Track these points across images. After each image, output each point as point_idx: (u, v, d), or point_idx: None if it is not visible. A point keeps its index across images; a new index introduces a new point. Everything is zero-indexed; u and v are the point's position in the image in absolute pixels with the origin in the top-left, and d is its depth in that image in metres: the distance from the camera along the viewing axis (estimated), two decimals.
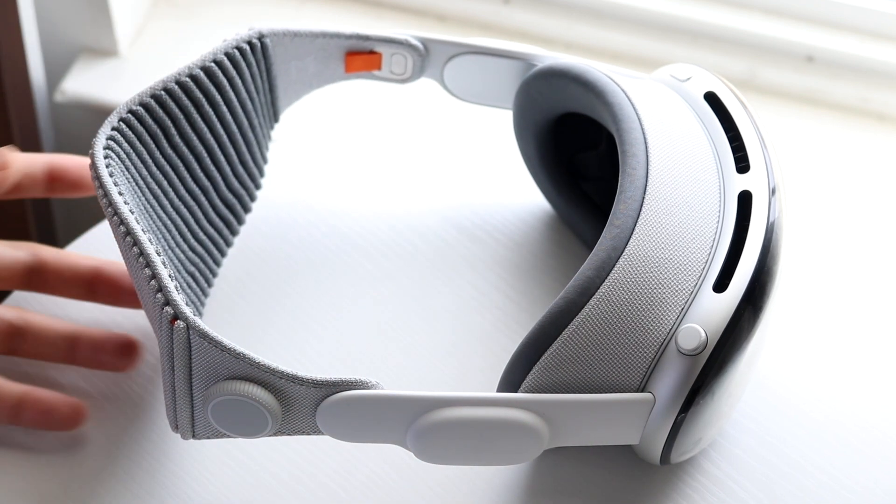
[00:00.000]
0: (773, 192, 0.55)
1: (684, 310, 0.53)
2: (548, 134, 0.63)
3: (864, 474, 0.59)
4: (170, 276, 0.51)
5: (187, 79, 0.58)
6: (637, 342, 0.52)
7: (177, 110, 0.58)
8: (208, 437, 0.53)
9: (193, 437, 0.53)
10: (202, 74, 0.58)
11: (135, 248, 0.52)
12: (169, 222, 0.58)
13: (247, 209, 0.63)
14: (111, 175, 0.54)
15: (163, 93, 0.57)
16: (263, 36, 0.60)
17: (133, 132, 0.56)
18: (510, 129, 0.65)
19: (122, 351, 0.61)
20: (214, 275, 0.62)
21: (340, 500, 0.58)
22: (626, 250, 0.53)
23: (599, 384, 0.52)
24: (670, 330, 0.52)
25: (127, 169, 0.55)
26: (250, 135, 0.62)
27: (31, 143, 0.84)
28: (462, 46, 0.63)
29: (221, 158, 0.60)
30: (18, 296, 0.64)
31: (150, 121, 0.57)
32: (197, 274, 0.60)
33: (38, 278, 0.61)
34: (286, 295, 0.64)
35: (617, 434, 0.54)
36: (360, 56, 0.63)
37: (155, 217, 0.57)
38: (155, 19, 0.87)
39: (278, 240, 0.66)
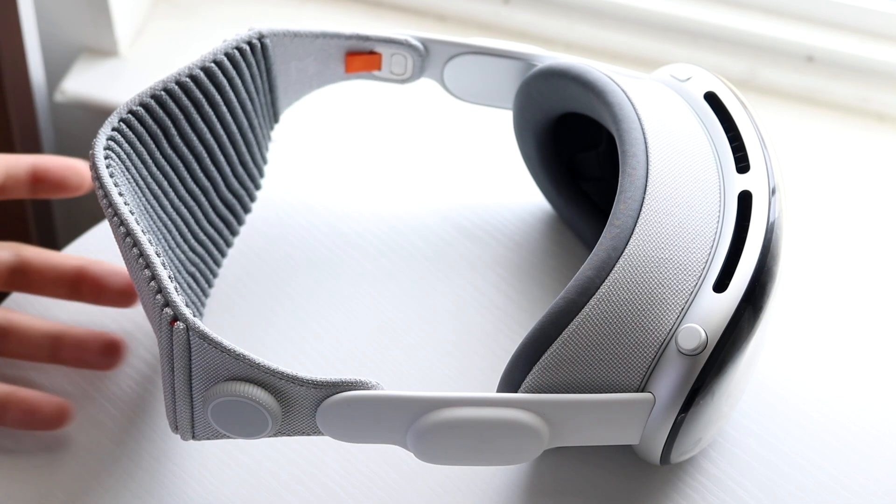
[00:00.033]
0: (773, 192, 0.55)
1: (684, 310, 0.53)
2: (548, 134, 0.63)
3: (864, 474, 0.59)
4: (170, 276, 0.51)
5: (187, 79, 0.58)
6: (637, 342, 0.52)
7: (177, 110, 0.58)
8: (208, 438, 0.53)
9: (193, 437, 0.53)
10: (202, 75, 0.58)
11: (135, 249, 0.52)
12: (169, 222, 0.58)
13: (247, 209, 0.63)
14: (111, 175, 0.54)
15: (163, 93, 0.57)
16: (263, 36, 0.60)
17: (133, 132, 0.56)
18: (510, 129, 0.65)
19: (106, 350, 0.61)
20: (215, 275, 0.62)
21: (340, 500, 0.58)
22: (626, 250, 0.53)
23: (599, 384, 0.52)
24: (670, 330, 0.52)
25: (127, 169, 0.55)
26: (250, 135, 0.62)
27: (31, 143, 0.84)
28: (462, 46, 0.63)
29: (221, 158, 0.60)
30: (15, 298, 0.64)
31: (150, 121, 0.57)
32: (197, 274, 0.60)
33: (22, 278, 0.61)
34: (286, 295, 0.64)
35: (617, 434, 0.54)
36: (360, 56, 0.63)
37: (155, 217, 0.57)
38: (155, 19, 0.87)
39: (278, 240, 0.66)
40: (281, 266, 0.65)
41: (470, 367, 0.62)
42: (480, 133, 0.75)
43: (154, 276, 0.51)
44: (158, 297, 0.51)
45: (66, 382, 0.61)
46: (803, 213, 0.73)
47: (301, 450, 0.59)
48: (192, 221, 0.60)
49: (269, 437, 0.52)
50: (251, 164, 0.62)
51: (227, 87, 0.59)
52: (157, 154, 0.57)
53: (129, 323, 0.63)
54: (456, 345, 0.63)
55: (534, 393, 0.52)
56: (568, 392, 0.52)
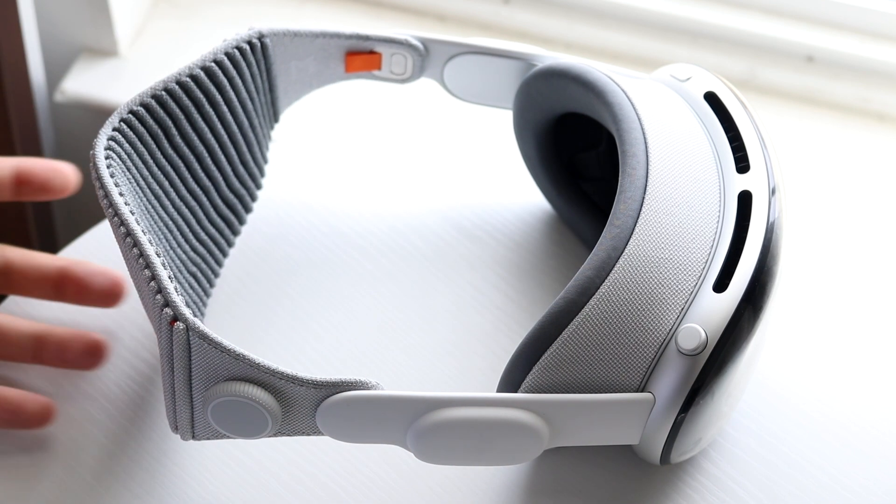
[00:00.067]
0: (773, 192, 0.55)
1: (684, 310, 0.53)
2: (548, 134, 0.63)
3: (864, 474, 0.59)
4: (170, 277, 0.51)
5: (188, 79, 0.58)
6: (637, 342, 0.52)
7: (177, 110, 0.58)
8: (208, 438, 0.53)
9: (193, 437, 0.53)
10: (202, 74, 0.58)
11: (135, 249, 0.52)
12: (170, 222, 0.58)
13: (248, 209, 0.63)
14: (112, 175, 0.54)
15: (163, 93, 0.57)
16: (263, 36, 0.60)
17: (134, 132, 0.56)
18: (510, 129, 0.65)
19: (90, 350, 0.61)
20: (216, 275, 0.62)
21: (340, 500, 0.58)
22: (626, 250, 0.53)
23: (599, 384, 0.52)
24: (670, 330, 0.52)
25: (128, 169, 0.55)
26: (251, 134, 0.62)
27: (31, 144, 0.84)
28: (462, 46, 0.63)
29: (222, 158, 0.60)
30: (12, 300, 0.64)
31: (150, 121, 0.57)
32: (199, 274, 0.60)
33: (5, 279, 0.61)
34: (286, 295, 0.64)
35: (617, 434, 0.54)
36: (360, 56, 0.63)
37: (156, 217, 0.57)
38: (155, 19, 0.87)
39: (278, 240, 0.66)
40: (281, 266, 0.65)
41: (470, 367, 0.62)
42: (480, 133, 0.75)
43: (154, 277, 0.51)
44: (158, 297, 0.51)
45: (66, 382, 0.61)
46: (803, 213, 0.73)
47: (301, 450, 0.59)
48: (193, 221, 0.60)
49: (269, 437, 0.52)
50: (252, 164, 0.62)
51: (228, 87, 0.59)
52: (158, 154, 0.57)
53: (129, 323, 0.63)
54: (456, 345, 0.63)
55: (534, 393, 0.52)
56: (568, 392, 0.52)
